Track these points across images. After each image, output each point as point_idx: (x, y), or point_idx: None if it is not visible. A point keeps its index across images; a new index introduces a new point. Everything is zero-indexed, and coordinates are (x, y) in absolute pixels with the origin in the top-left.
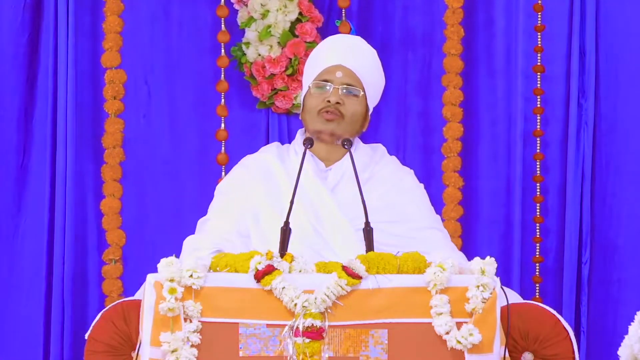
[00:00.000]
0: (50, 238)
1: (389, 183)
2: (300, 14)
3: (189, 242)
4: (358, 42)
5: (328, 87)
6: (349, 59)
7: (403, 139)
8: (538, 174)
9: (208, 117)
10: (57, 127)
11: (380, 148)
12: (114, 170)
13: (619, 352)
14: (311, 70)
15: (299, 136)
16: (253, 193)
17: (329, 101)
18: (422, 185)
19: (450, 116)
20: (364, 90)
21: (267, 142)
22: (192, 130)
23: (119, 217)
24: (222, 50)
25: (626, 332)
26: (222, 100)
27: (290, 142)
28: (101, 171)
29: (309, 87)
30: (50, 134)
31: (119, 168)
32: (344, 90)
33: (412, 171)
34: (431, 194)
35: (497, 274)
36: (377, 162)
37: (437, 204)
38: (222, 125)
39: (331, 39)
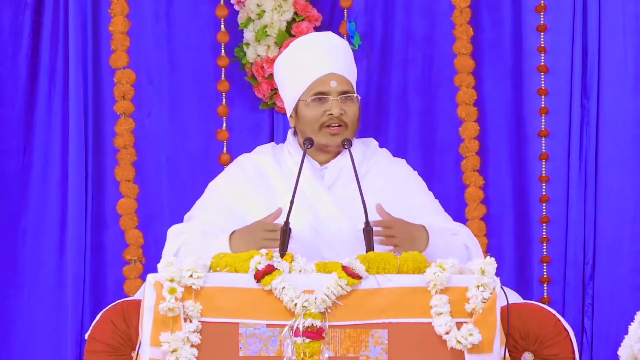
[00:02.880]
0: (60, 240)
1: (384, 177)
2: (295, 13)
3: (174, 230)
4: (336, 41)
5: (326, 99)
6: (337, 64)
7: (404, 139)
8: (543, 174)
9: (210, 117)
10: (66, 128)
11: (372, 142)
12: (125, 171)
13: (619, 352)
14: (298, 80)
15: (291, 137)
16: (246, 192)
17: (331, 114)
18: (415, 172)
19: (465, 115)
20: (356, 91)
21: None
22: (195, 130)
23: (135, 216)
24: (222, 50)
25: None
26: (223, 100)
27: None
28: (114, 172)
29: (302, 100)
30: (58, 135)
31: (131, 168)
32: (343, 98)
33: (404, 160)
34: (435, 194)
35: (501, 274)
36: (370, 157)
37: (452, 203)
38: (224, 125)
39: (309, 42)
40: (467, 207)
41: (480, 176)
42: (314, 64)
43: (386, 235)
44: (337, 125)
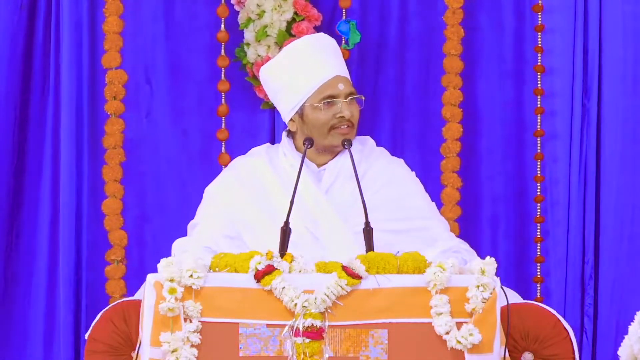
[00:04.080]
0: (52, 239)
1: (383, 178)
2: (295, 13)
3: (178, 245)
4: (331, 42)
5: (336, 102)
6: (339, 66)
7: (400, 139)
8: (538, 174)
9: (210, 117)
10: (58, 128)
11: (369, 141)
12: (114, 171)
13: (619, 352)
14: (303, 83)
15: (285, 138)
16: (242, 197)
17: (342, 116)
18: (413, 173)
19: (450, 116)
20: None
21: (273, 142)
22: (194, 130)
23: (121, 217)
24: (222, 50)
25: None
26: (223, 100)
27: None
28: (102, 171)
29: (309, 104)
30: (50, 135)
31: (119, 168)
32: (350, 100)
33: (402, 160)
34: (430, 194)
35: (498, 274)
36: (367, 156)
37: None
38: (223, 125)
39: (307, 46)
40: (443, 207)
41: (458, 177)
42: (319, 67)
43: None
44: (346, 126)
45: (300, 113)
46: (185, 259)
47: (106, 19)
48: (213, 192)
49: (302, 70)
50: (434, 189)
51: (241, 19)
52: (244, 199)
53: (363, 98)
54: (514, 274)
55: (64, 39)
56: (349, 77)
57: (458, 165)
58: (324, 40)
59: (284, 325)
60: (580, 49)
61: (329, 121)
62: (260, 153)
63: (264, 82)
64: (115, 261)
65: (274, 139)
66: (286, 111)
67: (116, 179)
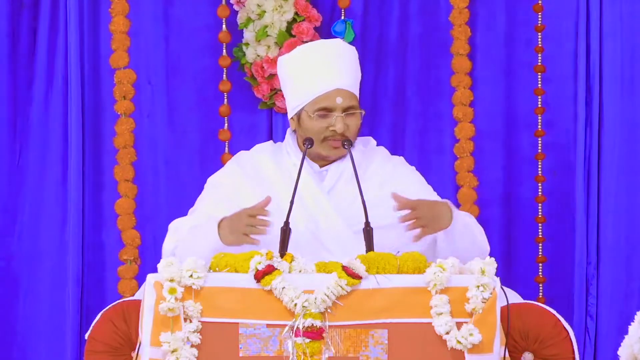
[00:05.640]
0: (62, 240)
1: (382, 175)
2: (296, 13)
3: (173, 225)
4: (344, 50)
5: (330, 115)
6: (344, 78)
7: (401, 140)
8: (540, 174)
9: (211, 117)
10: (65, 128)
11: (370, 141)
12: (125, 171)
13: (619, 352)
14: (304, 89)
15: (289, 137)
16: (246, 188)
17: (334, 130)
18: (413, 167)
19: (462, 116)
20: (360, 106)
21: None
22: (196, 130)
23: (133, 217)
24: (224, 50)
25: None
26: (225, 100)
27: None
28: (113, 171)
29: (305, 110)
30: (60, 135)
31: (130, 168)
32: (347, 114)
33: (402, 158)
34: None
35: (499, 274)
36: (369, 157)
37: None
38: (225, 125)
39: (317, 51)
40: (460, 207)
41: (474, 177)
42: (321, 77)
43: (412, 217)
44: (338, 140)
45: (298, 116)
46: (183, 257)
47: (113, 18)
48: (216, 181)
49: (307, 75)
50: (444, 190)
51: (240, 18)
52: (246, 191)
53: (363, 113)
54: (512, 274)
55: (62, 37)
56: (354, 90)
57: (472, 165)
58: (339, 48)
59: (284, 325)
60: (583, 49)
61: (321, 132)
62: (264, 150)
63: (279, 69)
64: (128, 261)
65: (272, 139)
66: (289, 108)
67: (128, 178)
